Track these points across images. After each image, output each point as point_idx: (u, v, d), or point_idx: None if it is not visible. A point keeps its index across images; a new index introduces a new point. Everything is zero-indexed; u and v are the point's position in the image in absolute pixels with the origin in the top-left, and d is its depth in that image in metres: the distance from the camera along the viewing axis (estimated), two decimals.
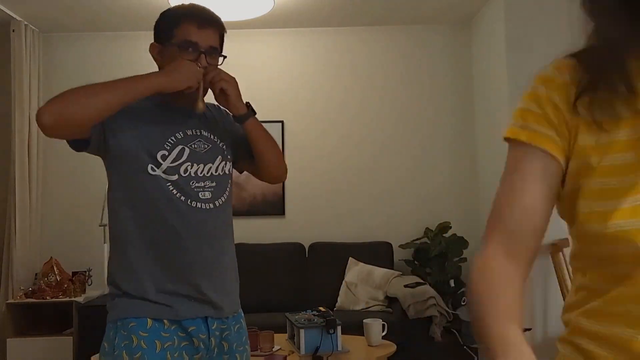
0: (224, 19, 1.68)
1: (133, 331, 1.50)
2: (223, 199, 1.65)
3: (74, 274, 4.59)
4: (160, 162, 1.55)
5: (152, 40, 1.68)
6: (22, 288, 4.44)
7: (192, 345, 1.56)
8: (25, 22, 4.69)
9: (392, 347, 3.21)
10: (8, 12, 4.52)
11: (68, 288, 4.42)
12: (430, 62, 5.12)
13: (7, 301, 4.35)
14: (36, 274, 4.64)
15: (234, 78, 1.63)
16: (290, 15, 4.77)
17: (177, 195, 1.56)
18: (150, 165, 1.55)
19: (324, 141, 5.07)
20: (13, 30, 4.62)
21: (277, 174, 1.79)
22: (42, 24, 4.85)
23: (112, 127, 1.53)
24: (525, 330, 3.93)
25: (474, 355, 4.08)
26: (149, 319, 1.52)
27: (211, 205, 1.60)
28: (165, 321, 1.53)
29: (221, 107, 1.74)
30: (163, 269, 1.55)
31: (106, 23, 4.86)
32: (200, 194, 1.59)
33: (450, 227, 4.70)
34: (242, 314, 1.73)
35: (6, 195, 4.65)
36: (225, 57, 1.68)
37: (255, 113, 1.70)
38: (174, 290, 1.54)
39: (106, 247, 4.44)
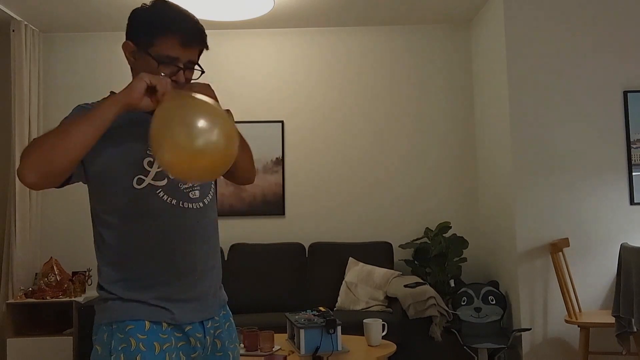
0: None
1: (131, 334, 1.48)
2: (210, 196, 1.64)
3: (74, 274, 4.60)
4: (147, 170, 1.52)
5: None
6: (22, 288, 4.44)
7: (189, 345, 1.55)
8: (25, 22, 4.69)
9: (392, 347, 3.21)
10: (8, 12, 4.52)
11: (68, 288, 4.43)
12: (430, 62, 5.12)
13: (7, 301, 4.35)
14: (36, 274, 4.64)
15: (208, 85, 1.57)
16: (290, 15, 4.77)
17: (168, 201, 1.54)
18: (137, 178, 1.51)
19: (324, 141, 5.08)
20: (13, 30, 4.63)
21: (248, 177, 1.79)
22: (42, 24, 4.85)
23: (89, 153, 1.46)
24: (525, 330, 3.93)
25: (474, 355, 4.08)
26: (146, 322, 1.50)
27: (201, 204, 1.59)
28: (163, 323, 1.52)
29: None
30: (162, 278, 1.53)
31: (106, 23, 4.86)
32: (190, 193, 1.57)
33: (450, 227, 4.70)
34: (230, 312, 1.73)
35: (6, 196, 4.65)
36: (203, 72, 1.61)
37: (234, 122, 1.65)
38: (174, 297, 1.53)
39: None
